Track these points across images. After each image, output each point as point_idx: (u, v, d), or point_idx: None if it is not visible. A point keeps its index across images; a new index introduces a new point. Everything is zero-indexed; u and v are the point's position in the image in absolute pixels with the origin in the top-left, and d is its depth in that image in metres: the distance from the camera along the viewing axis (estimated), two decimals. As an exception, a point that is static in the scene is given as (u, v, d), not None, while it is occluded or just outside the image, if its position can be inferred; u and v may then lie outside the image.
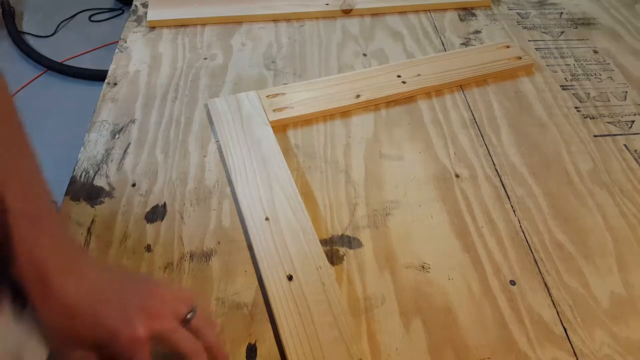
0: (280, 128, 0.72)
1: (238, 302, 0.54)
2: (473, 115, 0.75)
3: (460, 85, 0.80)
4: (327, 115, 0.74)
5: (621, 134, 0.73)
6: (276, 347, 0.50)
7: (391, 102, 0.76)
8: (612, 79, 0.83)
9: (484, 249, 0.59)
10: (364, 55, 0.85)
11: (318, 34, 0.89)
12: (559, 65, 0.85)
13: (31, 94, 1.79)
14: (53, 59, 1.87)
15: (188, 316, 0.43)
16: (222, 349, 0.46)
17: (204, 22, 0.91)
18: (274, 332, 0.51)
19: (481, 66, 0.81)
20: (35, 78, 1.86)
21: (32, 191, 0.39)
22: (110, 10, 2.16)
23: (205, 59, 0.84)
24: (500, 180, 0.67)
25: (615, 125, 0.75)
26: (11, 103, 0.39)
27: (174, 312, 0.42)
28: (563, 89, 0.80)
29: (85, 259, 0.42)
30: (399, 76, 0.79)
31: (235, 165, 0.66)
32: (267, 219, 0.59)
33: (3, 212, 0.36)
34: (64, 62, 1.88)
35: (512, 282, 0.56)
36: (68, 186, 0.64)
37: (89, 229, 0.60)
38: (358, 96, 0.75)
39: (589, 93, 0.80)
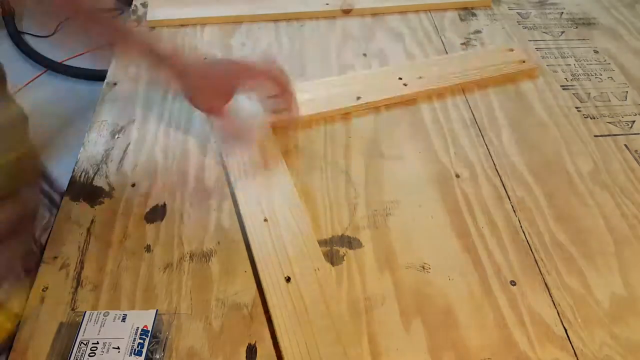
0: (280, 129, 0.71)
1: (238, 303, 0.53)
2: (473, 115, 0.75)
3: (462, 88, 0.79)
4: (327, 117, 0.74)
5: (622, 134, 0.73)
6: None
7: (392, 104, 0.76)
8: (612, 79, 0.83)
9: (484, 249, 0.59)
10: (364, 55, 0.85)
11: (318, 34, 0.89)
12: (559, 65, 0.85)
13: (31, 94, 1.79)
14: (53, 59, 1.87)
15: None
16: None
17: (204, 22, 0.91)
18: (271, 333, 0.51)
19: (483, 69, 0.81)
20: (35, 78, 1.85)
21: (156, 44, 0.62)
22: (110, 10, 2.15)
23: (205, 58, 0.84)
24: (501, 180, 0.66)
25: (616, 125, 0.74)
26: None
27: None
28: (563, 89, 0.80)
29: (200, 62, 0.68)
30: (400, 78, 0.78)
31: (234, 165, 0.65)
32: (265, 220, 0.59)
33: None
34: (64, 62, 1.87)
35: (513, 283, 0.56)
36: (68, 186, 0.64)
37: (88, 229, 0.59)
38: (358, 98, 0.75)
39: (590, 93, 0.80)
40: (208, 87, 0.64)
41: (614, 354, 0.50)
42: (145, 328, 0.49)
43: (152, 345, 0.48)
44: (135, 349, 0.47)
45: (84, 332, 0.48)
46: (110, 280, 0.55)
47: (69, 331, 0.50)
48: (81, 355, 0.47)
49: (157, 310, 0.50)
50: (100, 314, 0.50)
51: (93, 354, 0.47)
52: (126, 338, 0.48)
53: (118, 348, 0.47)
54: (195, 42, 0.87)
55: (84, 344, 0.48)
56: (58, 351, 0.49)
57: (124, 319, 0.49)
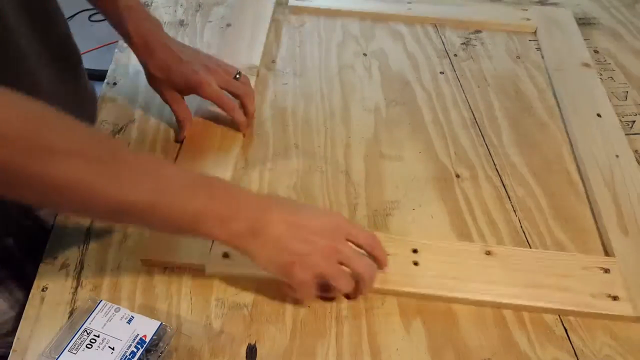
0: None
1: (238, 302, 0.53)
2: (473, 115, 0.75)
3: (461, 85, 0.79)
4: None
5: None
6: (276, 347, 0.50)
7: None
8: (612, 78, 0.83)
9: (484, 249, 0.59)
10: (364, 55, 0.85)
11: (318, 34, 0.89)
12: (559, 65, 0.85)
13: (31, 94, 1.79)
14: (53, 59, 1.87)
15: (237, 76, 0.69)
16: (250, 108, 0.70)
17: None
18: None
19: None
20: (36, 78, 1.85)
21: None
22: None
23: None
24: (501, 180, 0.66)
25: (616, 125, 0.74)
26: None
27: (227, 72, 0.69)
28: (563, 89, 0.80)
29: (168, 36, 0.67)
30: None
31: None
32: None
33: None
34: (64, 62, 1.88)
35: (513, 283, 0.56)
36: (68, 186, 0.64)
37: (88, 229, 0.59)
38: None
39: (590, 93, 0.80)
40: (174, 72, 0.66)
41: (614, 354, 0.50)
42: (143, 338, 0.48)
43: (150, 354, 0.48)
44: (127, 356, 0.47)
45: (91, 320, 0.48)
46: (111, 280, 0.55)
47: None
48: (81, 342, 0.47)
49: (161, 323, 0.49)
50: (112, 307, 0.49)
51: (90, 346, 0.47)
52: (124, 341, 0.47)
53: (113, 349, 0.47)
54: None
55: (87, 332, 0.47)
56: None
57: (129, 321, 0.49)
